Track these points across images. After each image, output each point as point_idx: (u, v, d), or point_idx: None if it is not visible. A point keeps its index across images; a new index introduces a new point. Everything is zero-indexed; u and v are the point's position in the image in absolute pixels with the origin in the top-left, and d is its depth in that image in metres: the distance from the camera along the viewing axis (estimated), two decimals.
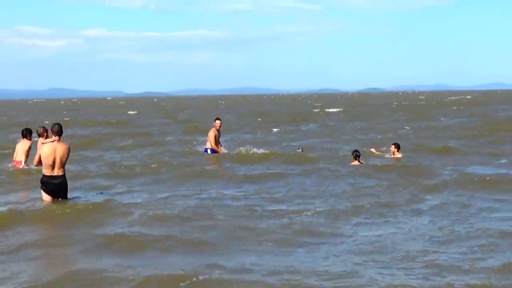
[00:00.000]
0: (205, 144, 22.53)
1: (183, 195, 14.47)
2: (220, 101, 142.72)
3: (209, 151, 22.08)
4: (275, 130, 37.26)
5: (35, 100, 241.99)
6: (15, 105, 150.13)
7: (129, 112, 75.49)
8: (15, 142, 21.32)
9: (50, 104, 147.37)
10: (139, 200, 13.76)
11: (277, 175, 17.60)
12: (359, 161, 19.08)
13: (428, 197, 13.95)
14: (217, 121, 22.26)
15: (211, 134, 22.04)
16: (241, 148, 23.01)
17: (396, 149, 21.36)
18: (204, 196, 14.33)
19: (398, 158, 21.03)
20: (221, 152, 22.14)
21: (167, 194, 14.64)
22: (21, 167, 18.42)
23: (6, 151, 23.63)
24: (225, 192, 14.92)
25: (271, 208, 12.80)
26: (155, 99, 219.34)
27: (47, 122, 43.64)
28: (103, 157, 23.22)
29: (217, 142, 22.10)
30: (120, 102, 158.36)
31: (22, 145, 18.72)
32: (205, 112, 69.52)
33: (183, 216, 11.92)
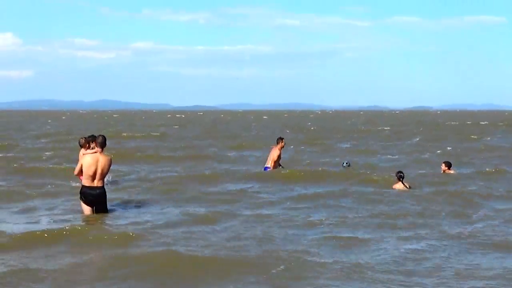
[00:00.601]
0: (267, 162, 21.71)
1: (247, 216, 13.73)
2: (263, 116, 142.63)
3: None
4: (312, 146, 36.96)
5: (80, 111, 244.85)
6: (63, 115, 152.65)
7: (175, 126, 75.98)
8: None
9: (95, 115, 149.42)
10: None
11: (322, 196, 16.87)
12: (403, 183, 18.29)
13: None
14: (281, 141, 21.52)
15: (275, 153, 21.38)
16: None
17: (447, 167, 21.00)
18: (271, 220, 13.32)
19: (451, 175, 20.67)
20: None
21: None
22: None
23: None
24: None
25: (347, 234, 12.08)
26: (201, 113, 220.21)
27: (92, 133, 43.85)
28: (138, 172, 23.09)
29: (278, 162, 21.57)
30: (168, 116, 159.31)
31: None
32: (245, 127, 69.53)
33: (261, 238, 11.49)
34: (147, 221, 13.12)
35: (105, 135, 13.92)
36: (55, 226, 12.48)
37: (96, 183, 13.43)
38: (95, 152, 13.60)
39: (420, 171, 23.00)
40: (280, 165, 21.64)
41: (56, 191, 17.55)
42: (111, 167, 13.80)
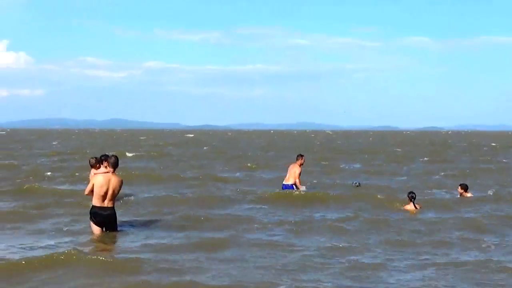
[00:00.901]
0: (287, 179, 21.51)
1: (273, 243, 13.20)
2: (273, 136, 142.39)
3: (294, 187, 21.21)
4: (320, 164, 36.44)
5: (92, 129, 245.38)
6: (76, 133, 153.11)
7: (182, 146, 75.63)
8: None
9: (104, 134, 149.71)
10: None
11: (331, 220, 16.48)
12: (414, 204, 18.00)
13: None
14: (301, 158, 21.44)
15: (296, 170, 21.28)
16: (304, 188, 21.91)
17: (463, 190, 20.53)
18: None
19: (467, 198, 20.22)
20: (300, 189, 21.22)
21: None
22: None
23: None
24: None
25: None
26: (211, 132, 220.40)
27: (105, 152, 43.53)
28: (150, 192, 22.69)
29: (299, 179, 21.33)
30: (177, 135, 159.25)
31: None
32: (253, 147, 69.15)
33: (270, 265, 11.08)
34: (154, 245, 12.73)
35: (117, 156, 13.82)
36: (60, 250, 12.06)
37: (107, 203, 13.30)
38: (107, 172, 13.46)
39: (429, 192, 22.65)
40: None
41: (62, 212, 17.13)
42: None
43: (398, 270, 10.96)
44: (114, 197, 13.38)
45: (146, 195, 21.16)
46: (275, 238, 13.77)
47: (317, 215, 17.24)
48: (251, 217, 16.70)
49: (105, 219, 13.34)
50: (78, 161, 38.84)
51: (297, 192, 20.89)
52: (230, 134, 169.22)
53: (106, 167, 14.61)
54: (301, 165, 21.41)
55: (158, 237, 13.66)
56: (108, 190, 13.16)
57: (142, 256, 11.56)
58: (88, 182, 14.03)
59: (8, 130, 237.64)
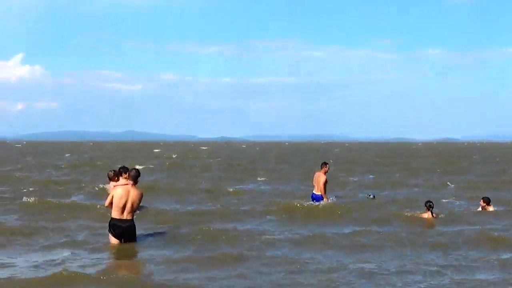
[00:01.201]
0: (316, 190, 21.20)
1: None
2: (288, 147, 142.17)
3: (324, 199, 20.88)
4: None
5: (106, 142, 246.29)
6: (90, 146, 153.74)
7: (198, 158, 75.60)
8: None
9: (118, 146, 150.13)
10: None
11: (347, 235, 15.97)
12: (432, 212, 17.78)
13: None
14: (325, 166, 21.21)
15: (321, 179, 20.94)
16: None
17: (485, 204, 20.07)
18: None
19: (490, 211, 19.73)
20: (326, 199, 20.94)
21: None
22: None
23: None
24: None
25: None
26: (225, 145, 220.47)
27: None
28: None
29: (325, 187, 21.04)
30: (192, 146, 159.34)
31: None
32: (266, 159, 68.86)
33: (283, 285, 10.67)
34: (169, 260, 12.36)
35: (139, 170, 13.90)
36: (74, 264, 11.81)
37: (126, 215, 13.30)
38: (126, 184, 13.55)
39: (447, 203, 22.29)
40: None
41: (75, 225, 16.82)
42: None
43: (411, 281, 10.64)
44: (133, 210, 13.35)
45: (159, 206, 20.88)
46: (288, 253, 13.37)
47: (332, 229, 16.83)
48: (264, 231, 16.31)
49: (124, 230, 13.32)
50: (88, 173, 38.67)
51: (322, 203, 20.51)
52: (244, 146, 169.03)
53: (126, 178, 14.63)
54: (325, 172, 21.08)
55: (172, 251, 13.37)
56: (127, 202, 13.18)
57: (161, 275, 11.21)
58: (108, 195, 14.01)
59: (24, 142, 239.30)
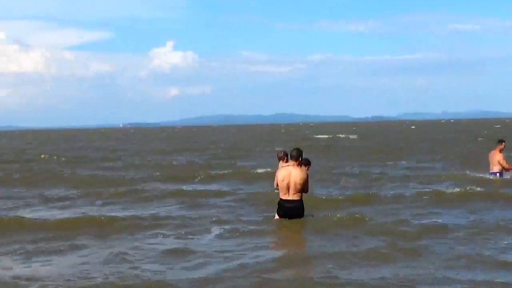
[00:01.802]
0: (491, 168, 20.75)
1: None
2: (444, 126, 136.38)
3: (498, 175, 20.51)
4: None
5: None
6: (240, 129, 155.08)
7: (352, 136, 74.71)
8: None
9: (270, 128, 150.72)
10: None
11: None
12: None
13: None
14: (500, 143, 20.51)
15: (496, 157, 20.47)
16: None
17: None
18: None
19: None
20: (506, 175, 20.55)
21: None
22: None
23: None
24: None
25: None
26: (377, 124, 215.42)
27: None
28: None
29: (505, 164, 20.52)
30: (341, 126, 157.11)
31: None
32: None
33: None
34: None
35: (300, 148, 13.91)
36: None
37: (291, 196, 13.46)
38: (288, 166, 13.68)
39: None
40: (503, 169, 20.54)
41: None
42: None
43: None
44: (299, 190, 13.36)
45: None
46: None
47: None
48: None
49: (289, 211, 13.52)
50: (239, 158, 38.65)
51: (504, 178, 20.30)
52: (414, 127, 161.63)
53: (285, 161, 14.75)
54: (501, 150, 20.42)
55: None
56: (290, 183, 13.32)
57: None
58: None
59: (180, 127, 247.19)
